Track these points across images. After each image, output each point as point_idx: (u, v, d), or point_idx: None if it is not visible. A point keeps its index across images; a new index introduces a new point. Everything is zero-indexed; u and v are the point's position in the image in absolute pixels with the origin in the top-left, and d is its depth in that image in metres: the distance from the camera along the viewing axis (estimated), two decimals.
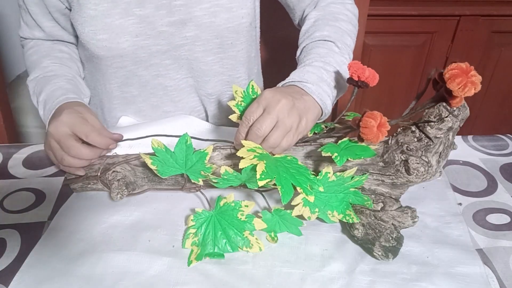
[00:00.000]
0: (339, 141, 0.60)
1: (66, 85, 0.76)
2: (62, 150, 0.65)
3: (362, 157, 0.57)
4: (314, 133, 0.68)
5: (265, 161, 0.54)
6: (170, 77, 0.81)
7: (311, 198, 0.57)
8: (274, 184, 0.54)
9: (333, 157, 0.56)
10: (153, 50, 0.76)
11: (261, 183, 0.52)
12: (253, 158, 0.54)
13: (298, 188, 0.55)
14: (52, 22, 0.79)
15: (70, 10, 0.75)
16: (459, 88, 0.51)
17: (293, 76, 0.67)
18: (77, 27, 0.74)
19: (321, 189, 0.58)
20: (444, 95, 0.54)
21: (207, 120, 0.90)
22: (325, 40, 0.73)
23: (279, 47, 1.08)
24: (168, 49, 0.77)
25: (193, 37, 0.76)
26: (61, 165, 0.67)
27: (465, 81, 0.51)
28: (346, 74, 0.67)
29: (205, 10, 0.74)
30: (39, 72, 0.78)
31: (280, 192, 0.53)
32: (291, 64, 0.74)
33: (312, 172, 0.59)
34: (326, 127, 0.70)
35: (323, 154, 0.57)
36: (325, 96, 0.65)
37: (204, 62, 0.80)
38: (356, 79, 0.59)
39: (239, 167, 0.54)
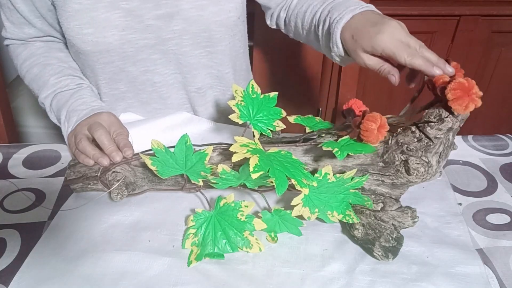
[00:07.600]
0: (339, 139, 0.60)
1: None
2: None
3: (363, 152, 0.57)
4: (311, 132, 0.68)
5: (258, 155, 0.54)
6: (158, 72, 0.81)
7: (306, 191, 0.57)
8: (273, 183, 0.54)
9: (333, 151, 0.56)
10: (140, 44, 0.76)
11: (254, 176, 0.52)
12: (246, 152, 0.55)
13: (292, 180, 0.55)
14: (40, 19, 0.77)
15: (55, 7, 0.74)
16: (462, 108, 0.52)
17: None
18: (63, 23, 0.73)
19: (314, 184, 0.58)
20: (445, 103, 0.55)
21: None
22: None
23: (271, 47, 1.08)
24: (156, 43, 0.77)
25: (180, 30, 0.76)
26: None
27: (467, 101, 0.52)
28: None
29: (192, 3, 0.74)
30: (52, 88, 0.78)
31: (274, 184, 0.53)
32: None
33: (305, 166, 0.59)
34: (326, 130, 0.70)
35: (324, 148, 0.57)
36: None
37: (192, 56, 0.80)
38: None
39: (232, 161, 0.54)
